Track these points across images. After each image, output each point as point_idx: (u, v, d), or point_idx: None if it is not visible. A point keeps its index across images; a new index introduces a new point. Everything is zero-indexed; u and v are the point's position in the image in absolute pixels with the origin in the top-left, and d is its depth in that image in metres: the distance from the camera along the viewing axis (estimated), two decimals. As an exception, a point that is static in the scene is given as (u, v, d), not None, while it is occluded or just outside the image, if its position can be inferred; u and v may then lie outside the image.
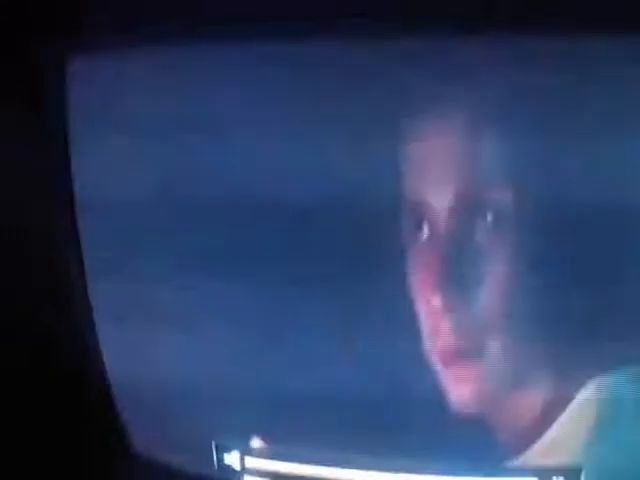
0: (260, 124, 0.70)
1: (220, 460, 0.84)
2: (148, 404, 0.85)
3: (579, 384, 0.70)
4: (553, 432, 0.73)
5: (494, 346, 0.68)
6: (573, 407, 0.71)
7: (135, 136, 0.72)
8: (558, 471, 0.79)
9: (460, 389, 0.70)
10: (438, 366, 0.70)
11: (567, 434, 0.73)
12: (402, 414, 0.77)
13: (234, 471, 0.84)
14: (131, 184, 0.74)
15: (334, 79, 0.67)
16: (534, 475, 0.80)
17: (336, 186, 0.69)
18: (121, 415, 0.86)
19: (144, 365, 0.84)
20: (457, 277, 0.66)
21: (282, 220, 0.71)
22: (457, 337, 0.67)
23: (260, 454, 0.83)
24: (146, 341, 0.83)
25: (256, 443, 0.83)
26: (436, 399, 0.72)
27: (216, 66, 0.69)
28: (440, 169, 0.67)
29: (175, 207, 0.73)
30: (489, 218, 0.65)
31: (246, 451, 0.83)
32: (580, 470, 0.79)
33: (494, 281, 0.66)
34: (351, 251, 0.70)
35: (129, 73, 0.71)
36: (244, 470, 0.84)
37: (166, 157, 0.72)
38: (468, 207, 0.65)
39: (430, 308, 0.67)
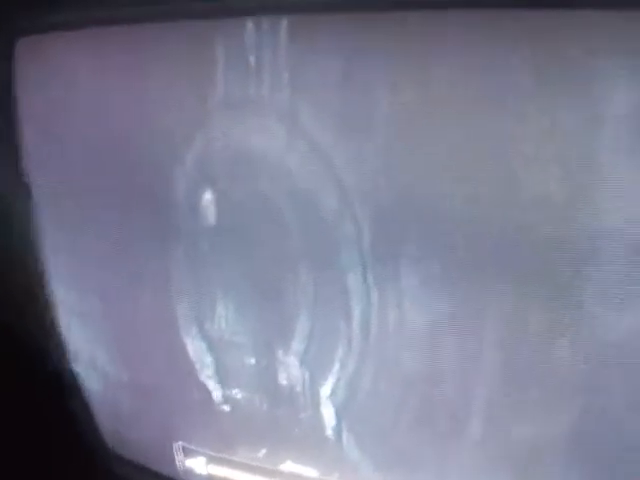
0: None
1: (183, 463, 0.79)
2: (120, 404, 0.82)
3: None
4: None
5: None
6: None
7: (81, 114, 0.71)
8: None
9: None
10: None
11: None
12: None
13: (198, 475, 0.78)
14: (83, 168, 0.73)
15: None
16: None
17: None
18: (95, 413, 0.83)
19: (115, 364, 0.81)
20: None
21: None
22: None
23: (223, 462, 0.77)
24: (114, 340, 0.81)
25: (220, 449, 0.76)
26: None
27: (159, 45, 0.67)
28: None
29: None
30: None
31: (211, 458, 0.77)
32: None
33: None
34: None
35: (77, 53, 0.70)
36: (209, 477, 0.78)
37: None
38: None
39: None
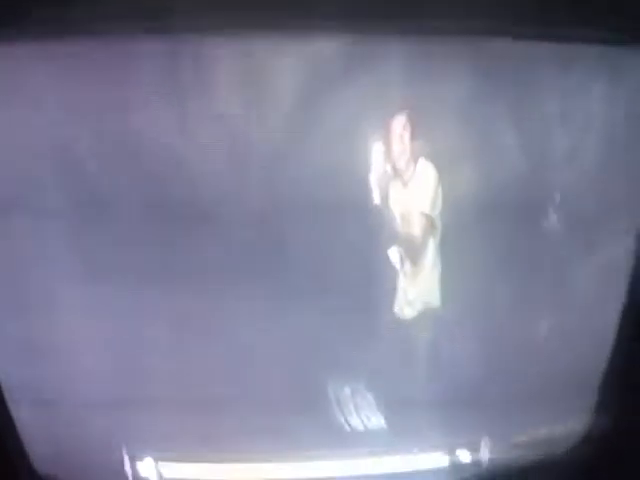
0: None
1: (134, 470, 0.82)
2: (50, 419, 0.81)
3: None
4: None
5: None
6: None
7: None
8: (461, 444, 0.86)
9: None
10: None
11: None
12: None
13: (149, 480, 0.83)
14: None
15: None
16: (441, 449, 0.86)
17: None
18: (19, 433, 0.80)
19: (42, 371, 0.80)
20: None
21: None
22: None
23: (175, 458, 0.82)
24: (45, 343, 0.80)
25: (170, 447, 0.82)
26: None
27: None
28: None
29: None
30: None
31: (160, 457, 0.82)
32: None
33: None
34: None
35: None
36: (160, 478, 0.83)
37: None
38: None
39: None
